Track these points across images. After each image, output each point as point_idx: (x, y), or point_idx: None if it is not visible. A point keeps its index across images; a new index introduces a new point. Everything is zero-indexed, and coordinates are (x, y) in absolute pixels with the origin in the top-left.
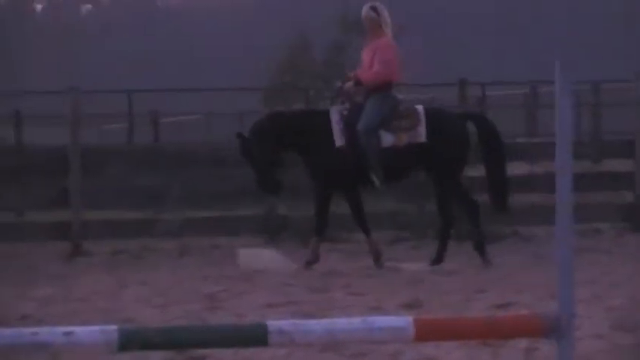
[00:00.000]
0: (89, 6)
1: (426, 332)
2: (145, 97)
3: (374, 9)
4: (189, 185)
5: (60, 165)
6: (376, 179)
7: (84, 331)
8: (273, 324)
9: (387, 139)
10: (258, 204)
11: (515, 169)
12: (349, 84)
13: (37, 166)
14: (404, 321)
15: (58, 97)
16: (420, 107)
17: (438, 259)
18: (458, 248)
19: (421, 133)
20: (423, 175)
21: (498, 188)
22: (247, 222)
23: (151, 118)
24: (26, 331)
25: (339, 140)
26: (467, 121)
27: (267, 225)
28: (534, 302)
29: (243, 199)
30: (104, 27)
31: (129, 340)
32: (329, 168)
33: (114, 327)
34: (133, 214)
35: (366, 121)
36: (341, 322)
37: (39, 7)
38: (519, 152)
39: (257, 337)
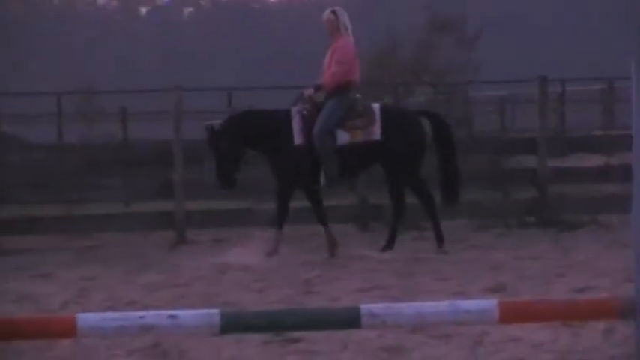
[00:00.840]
0: (190, 9)
1: (510, 314)
2: (243, 95)
3: (334, 12)
4: None
5: (164, 158)
6: (323, 179)
7: (187, 315)
8: (366, 307)
9: (343, 137)
10: (352, 194)
11: (593, 160)
12: (309, 90)
13: (143, 160)
14: (489, 304)
15: (162, 94)
16: (376, 105)
17: (388, 246)
18: (539, 235)
19: (376, 132)
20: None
21: (449, 182)
22: (341, 211)
23: None
24: (134, 315)
25: (297, 139)
26: (421, 119)
27: (359, 214)
28: (612, 286)
29: (337, 189)
30: (202, 28)
31: (230, 323)
32: (288, 165)
33: (216, 310)
34: (232, 204)
35: (320, 125)
36: (429, 305)
37: (143, 10)
38: (596, 145)
39: (350, 319)
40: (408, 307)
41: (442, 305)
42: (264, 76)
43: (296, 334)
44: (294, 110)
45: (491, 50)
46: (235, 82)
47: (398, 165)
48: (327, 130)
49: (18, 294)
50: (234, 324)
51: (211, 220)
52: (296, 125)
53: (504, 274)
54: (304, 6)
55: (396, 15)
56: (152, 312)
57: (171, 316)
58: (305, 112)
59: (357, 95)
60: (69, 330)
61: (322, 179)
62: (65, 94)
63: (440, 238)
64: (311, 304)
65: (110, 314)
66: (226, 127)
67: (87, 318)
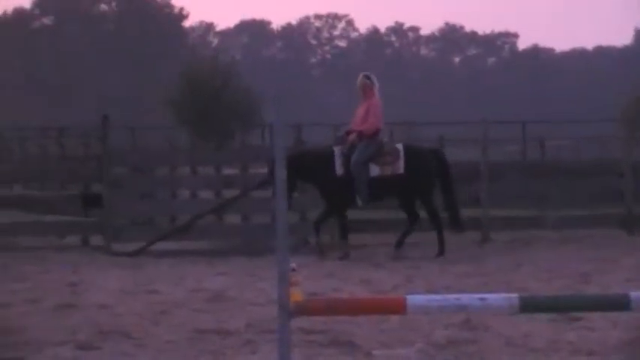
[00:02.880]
0: (493, 58)
1: None
2: (534, 127)
3: (368, 77)
4: (565, 190)
5: (473, 175)
6: (359, 200)
7: (493, 298)
8: (635, 294)
9: (374, 170)
10: (618, 204)
11: None
12: (352, 136)
13: (456, 176)
14: None
15: (471, 125)
16: (400, 145)
17: (440, 251)
18: None
19: (400, 167)
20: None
21: (450, 209)
22: (609, 219)
23: (539, 142)
24: (451, 297)
25: (339, 170)
26: (433, 156)
27: (624, 221)
28: None
29: (604, 200)
30: (502, 72)
31: (526, 305)
32: (334, 191)
33: (515, 295)
34: (525, 212)
35: (356, 157)
36: None
37: (457, 59)
38: None
39: (621, 304)
40: None
41: None
42: (553, 111)
43: (577, 314)
44: (336, 149)
45: None
46: (529, 115)
47: (416, 192)
48: (361, 160)
49: (358, 279)
50: (530, 305)
51: (508, 223)
52: (337, 160)
53: None
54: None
55: None
56: (465, 295)
57: (481, 299)
58: (345, 151)
59: (385, 139)
60: (400, 308)
61: (359, 200)
62: (395, 125)
63: (441, 249)
64: (587, 291)
65: (434, 296)
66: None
67: (415, 299)
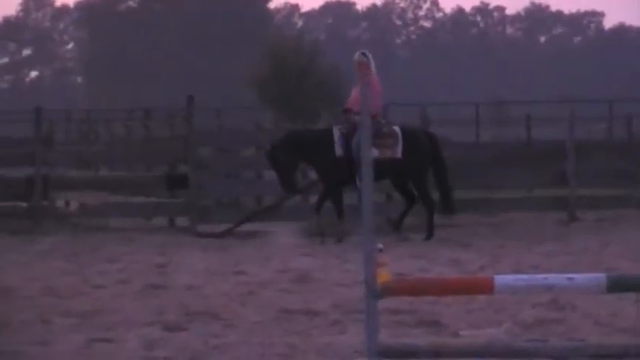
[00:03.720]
0: (579, 37)
1: None
2: (621, 106)
3: (364, 54)
4: None
5: (559, 154)
6: (358, 182)
7: (581, 277)
8: None
9: (373, 152)
10: None
11: None
12: (356, 116)
13: (542, 155)
14: None
15: (557, 104)
16: (397, 128)
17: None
18: None
19: (399, 150)
20: None
21: (442, 192)
22: None
23: (626, 120)
24: (539, 277)
25: (339, 151)
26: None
27: None
28: None
29: None
30: (588, 51)
31: (614, 284)
32: (332, 171)
33: (603, 274)
34: (611, 191)
35: (357, 139)
36: None
37: (542, 38)
38: None
39: None
40: None
41: None
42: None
43: None
44: (335, 129)
45: None
46: (616, 93)
47: (413, 175)
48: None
49: (447, 259)
50: (617, 285)
51: (595, 203)
52: (337, 141)
53: None
54: None
55: None
56: (553, 274)
57: (569, 278)
58: (344, 131)
59: (383, 120)
60: (487, 288)
61: (358, 182)
62: (482, 104)
63: (429, 232)
64: None
65: (521, 276)
66: (281, 144)
67: (502, 279)
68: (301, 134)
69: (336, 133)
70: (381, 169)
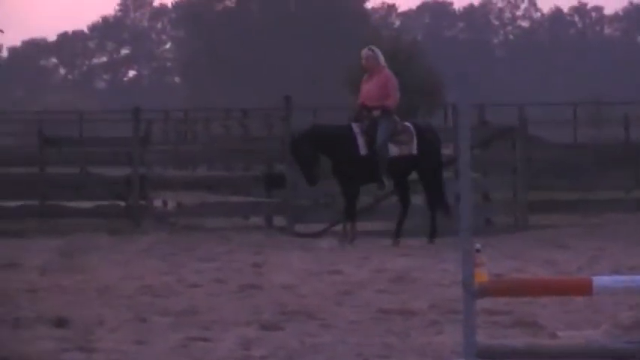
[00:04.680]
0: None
1: None
2: None
3: (371, 49)
4: None
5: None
6: (386, 180)
7: None
8: None
9: (393, 150)
10: None
11: None
12: (376, 111)
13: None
14: None
15: None
16: (410, 125)
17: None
18: None
19: (414, 147)
20: None
21: (436, 192)
22: None
23: None
24: (637, 278)
25: (362, 150)
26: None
27: None
28: None
29: None
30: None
31: None
32: (353, 169)
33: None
34: None
35: (383, 136)
36: None
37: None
38: None
39: None
40: None
41: None
42: None
43: None
44: (355, 125)
45: None
46: None
47: (428, 171)
48: (385, 141)
49: (542, 260)
50: None
51: None
52: (360, 138)
53: None
54: None
55: None
56: None
57: None
58: (364, 127)
59: (396, 117)
60: (586, 289)
61: (386, 181)
62: (580, 104)
63: (433, 233)
64: None
65: (620, 277)
66: (303, 139)
67: (601, 280)
68: (323, 128)
69: (357, 130)
70: (400, 167)
